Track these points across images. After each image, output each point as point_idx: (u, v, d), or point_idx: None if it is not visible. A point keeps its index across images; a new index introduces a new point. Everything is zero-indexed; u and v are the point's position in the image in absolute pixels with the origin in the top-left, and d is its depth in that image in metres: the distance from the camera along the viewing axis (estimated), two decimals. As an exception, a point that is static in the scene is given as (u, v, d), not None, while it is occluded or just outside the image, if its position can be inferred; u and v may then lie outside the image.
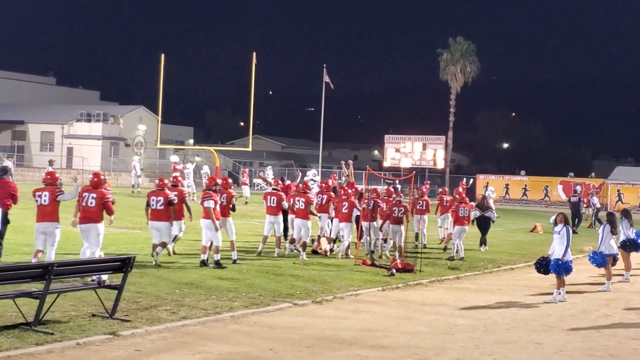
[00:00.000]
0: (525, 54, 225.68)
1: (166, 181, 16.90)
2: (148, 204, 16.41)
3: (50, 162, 34.57)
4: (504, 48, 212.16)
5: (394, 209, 19.49)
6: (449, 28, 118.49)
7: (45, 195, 14.03)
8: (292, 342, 10.31)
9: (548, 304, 14.61)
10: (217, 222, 16.26)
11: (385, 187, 25.70)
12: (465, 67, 68.05)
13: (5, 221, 15.31)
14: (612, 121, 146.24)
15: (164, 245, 16.25)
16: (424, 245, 22.07)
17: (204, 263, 16.30)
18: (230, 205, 17.52)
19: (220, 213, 16.89)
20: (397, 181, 34.60)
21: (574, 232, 31.72)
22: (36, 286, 10.51)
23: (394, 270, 17.13)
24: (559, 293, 14.92)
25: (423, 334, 11.29)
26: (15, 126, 64.83)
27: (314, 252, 19.77)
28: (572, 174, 59.00)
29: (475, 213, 22.85)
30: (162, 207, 16.10)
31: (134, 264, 11.52)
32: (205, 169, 42.98)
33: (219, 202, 16.89)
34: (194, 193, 37.16)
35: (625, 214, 18.75)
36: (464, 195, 22.27)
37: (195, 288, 13.61)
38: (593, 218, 36.57)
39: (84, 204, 14.12)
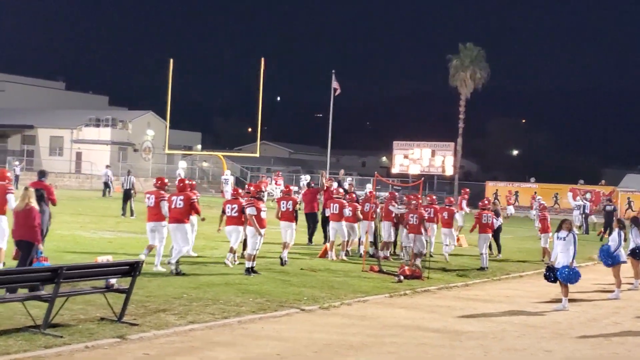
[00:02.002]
0: (536, 61, 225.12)
1: (240, 190, 18.24)
2: (224, 211, 17.56)
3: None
4: (514, 55, 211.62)
5: (410, 216, 19.57)
6: (459, 34, 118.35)
7: (151, 198, 16.15)
8: (300, 348, 10.31)
9: (557, 311, 14.55)
10: (259, 228, 16.33)
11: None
12: (475, 73, 67.77)
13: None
14: (622, 129, 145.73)
15: (232, 250, 17.47)
16: (431, 254, 21.97)
17: (248, 271, 16.25)
18: (294, 212, 18.58)
19: (285, 218, 18.37)
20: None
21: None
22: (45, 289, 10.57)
23: (402, 277, 17.10)
24: (566, 301, 14.86)
25: (431, 341, 11.26)
26: (25, 131, 65.04)
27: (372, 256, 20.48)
28: (582, 181, 58.69)
29: (499, 221, 22.87)
30: (237, 213, 17.08)
31: (142, 268, 11.55)
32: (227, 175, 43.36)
33: (286, 208, 18.46)
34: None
35: (635, 221, 18.66)
36: (486, 202, 22.19)
37: (203, 293, 13.61)
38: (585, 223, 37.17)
39: (173, 206, 15.95)
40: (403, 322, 12.64)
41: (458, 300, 15.38)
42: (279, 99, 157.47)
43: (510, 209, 40.91)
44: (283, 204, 18.69)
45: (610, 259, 17.10)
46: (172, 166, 63.50)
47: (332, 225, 20.35)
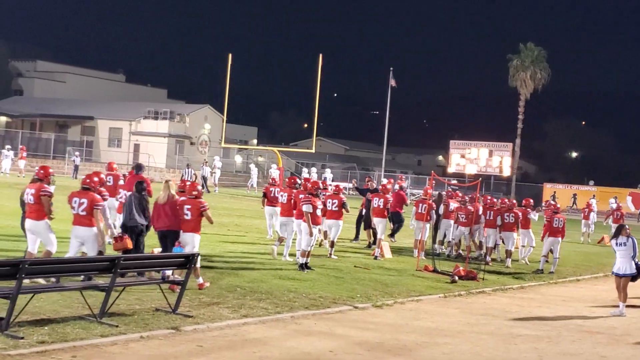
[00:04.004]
0: (597, 62, 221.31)
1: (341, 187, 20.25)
2: (325, 204, 18.56)
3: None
4: (575, 55, 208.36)
5: (505, 215, 20.57)
6: (520, 34, 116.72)
7: (284, 195, 17.96)
8: (352, 345, 10.28)
9: (614, 316, 14.27)
10: (312, 227, 16.29)
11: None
12: (535, 73, 66.79)
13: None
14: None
15: (332, 244, 18.90)
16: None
17: (302, 267, 16.26)
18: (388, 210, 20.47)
19: (376, 214, 20.00)
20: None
21: None
22: (103, 279, 10.73)
23: (457, 277, 16.96)
24: (623, 307, 14.54)
25: (485, 343, 11.14)
26: (85, 122, 66.10)
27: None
28: (642, 185, 57.64)
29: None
30: (337, 208, 18.65)
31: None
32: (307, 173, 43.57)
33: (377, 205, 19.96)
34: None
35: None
36: (557, 205, 21.73)
37: (256, 287, 13.66)
38: None
39: (281, 201, 18.06)
40: (457, 323, 12.53)
41: (513, 302, 15.19)
42: (335, 95, 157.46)
43: None
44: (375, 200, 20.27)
45: None
46: (228, 160, 63.97)
47: (416, 225, 20.80)
